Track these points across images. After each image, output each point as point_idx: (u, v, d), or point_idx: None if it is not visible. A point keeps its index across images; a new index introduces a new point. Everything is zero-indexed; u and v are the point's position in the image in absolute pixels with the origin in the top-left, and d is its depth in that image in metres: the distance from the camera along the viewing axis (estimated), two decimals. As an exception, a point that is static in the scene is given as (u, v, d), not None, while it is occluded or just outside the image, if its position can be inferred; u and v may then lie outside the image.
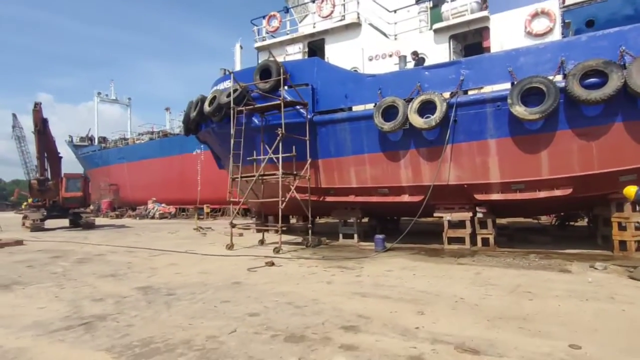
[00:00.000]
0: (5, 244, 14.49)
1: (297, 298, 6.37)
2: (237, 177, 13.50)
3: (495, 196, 10.88)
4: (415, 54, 12.40)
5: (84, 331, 5.01)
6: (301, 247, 12.82)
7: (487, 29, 11.99)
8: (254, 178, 12.97)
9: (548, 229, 16.55)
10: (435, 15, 13.29)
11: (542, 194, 10.28)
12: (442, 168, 11.23)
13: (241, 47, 47.66)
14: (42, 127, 22.76)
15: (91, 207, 32.12)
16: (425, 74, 11.57)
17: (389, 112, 11.66)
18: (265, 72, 14.02)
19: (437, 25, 12.64)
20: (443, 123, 10.84)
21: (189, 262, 10.29)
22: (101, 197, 45.72)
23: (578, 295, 6.23)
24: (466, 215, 11.61)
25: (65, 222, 24.58)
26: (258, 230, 18.24)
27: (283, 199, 13.48)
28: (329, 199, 13.76)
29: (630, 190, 7.91)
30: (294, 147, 12.81)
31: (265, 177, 13.10)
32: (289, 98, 13.39)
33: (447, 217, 11.85)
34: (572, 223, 16.83)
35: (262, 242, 13.98)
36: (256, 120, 14.37)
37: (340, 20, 14.55)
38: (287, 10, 16.58)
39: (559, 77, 9.85)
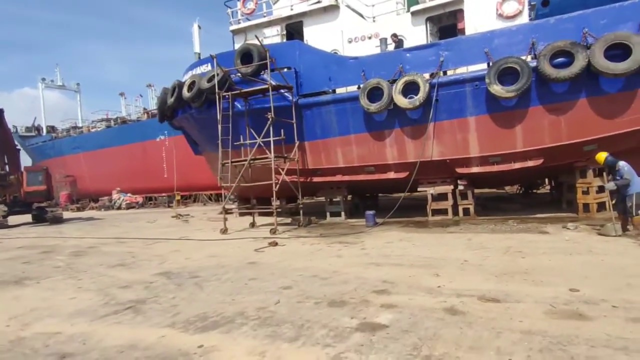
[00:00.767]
0: (-20, 243, 13.88)
1: (319, 271, 6.90)
2: (228, 162, 13.58)
3: (475, 169, 11.83)
4: (395, 36, 12.91)
5: (134, 314, 5.28)
6: (293, 227, 13.29)
7: (461, 11, 12.68)
8: (245, 162, 13.15)
9: (514, 197, 18.03)
10: (410, -3, 13.81)
11: (517, 165, 11.32)
12: (426, 145, 11.99)
13: (199, 27, 45.95)
14: (-3, 119, 21.42)
15: (54, 200, 30.70)
16: (406, 56, 12.15)
17: (374, 94, 12.19)
18: (246, 55, 14.05)
19: (414, 8, 13.19)
20: (426, 103, 11.54)
21: (190, 248, 10.50)
22: (58, 189, 43.51)
23: (562, 251, 7.20)
24: (448, 188, 12.54)
25: (28, 217, 23.43)
26: (241, 214, 18.53)
27: (275, 181, 13.85)
28: (316, 179, 14.25)
29: (601, 156, 9.01)
30: (282, 131, 13.07)
31: (256, 161, 13.30)
32: (272, 82, 13.56)
33: (431, 190, 12.72)
34: (534, 191, 18.40)
35: (252, 224, 14.30)
36: (239, 105, 14.42)
37: (318, 2, 14.72)
38: (263, -8, 16.45)
39: (529, 58, 10.75)
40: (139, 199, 37.42)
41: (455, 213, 12.57)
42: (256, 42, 14.70)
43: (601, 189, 10.84)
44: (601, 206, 10.98)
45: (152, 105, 49.43)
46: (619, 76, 9.63)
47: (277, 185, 12.58)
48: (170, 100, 16.00)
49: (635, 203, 8.51)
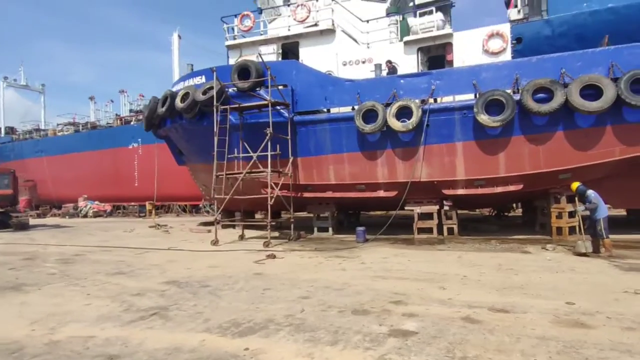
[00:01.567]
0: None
1: (329, 283, 7.22)
2: (222, 174, 13.69)
3: (460, 191, 12.60)
4: (390, 62, 13.68)
5: (162, 320, 5.39)
6: (284, 240, 13.50)
7: (450, 44, 13.66)
8: (240, 175, 13.33)
9: (488, 219, 19.07)
10: (402, 27, 14.71)
11: (499, 189, 12.19)
12: (415, 166, 12.67)
13: (179, 37, 45.79)
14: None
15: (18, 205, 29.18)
16: (400, 82, 12.91)
17: (369, 115, 12.82)
18: (243, 71, 14.39)
19: (407, 38, 14.06)
20: (418, 127, 12.27)
21: (186, 259, 10.51)
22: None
23: (548, 269, 7.90)
24: (434, 208, 13.23)
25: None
26: (224, 226, 18.50)
27: (267, 194, 14.08)
28: (306, 195, 14.58)
29: (574, 185, 10.07)
30: (277, 146, 13.39)
31: (252, 175, 13.49)
32: (269, 98, 13.93)
33: (417, 209, 13.36)
34: (506, 214, 19.55)
35: (242, 237, 14.38)
36: (232, 119, 14.63)
37: (315, 25, 15.36)
38: (260, 11, 16.94)
39: (512, 91, 11.74)
40: (107, 207, 36.20)
41: (440, 232, 13.24)
42: (252, 58, 15.16)
43: (572, 214, 11.84)
44: (572, 230, 11.96)
45: (125, 111, 48.36)
46: (592, 113, 10.73)
47: (272, 200, 12.80)
48: (162, 109, 15.99)
49: (603, 226, 9.50)
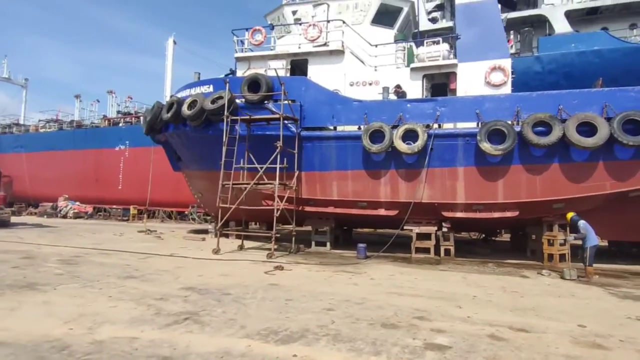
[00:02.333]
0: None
1: (348, 297, 7.44)
2: (228, 184, 13.78)
3: (459, 214, 13.08)
4: (399, 87, 14.24)
5: (198, 325, 5.49)
6: (284, 252, 13.61)
7: (454, 73, 14.36)
8: (245, 185, 13.47)
9: (476, 242, 19.68)
10: (409, 53, 15.38)
11: (496, 215, 12.74)
12: (418, 188, 13.12)
13: (175, 42, 45.98)
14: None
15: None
16: (407, 106, 13.46)
17: (375, 135, 13.25)
18: (253, 84, 14.69)
19: (413, 65, 14.70)
20: (422, 150, 12.76)
21: (194, 266, 10.51)
22: (-11, 190, 39.72)
23: (550, 294, 8.36)
24: (432, 229, 13.66)
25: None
26: (220, 235, 18.43)
27: (268, 206, 14.24)
28: (308, 209, 14.80)
29: (569, 215, 10.80)
30: (285, 159, 13.62)
31: (260, 186, 13.64)
32: (274, 112, 14.24)
33: (416, 230, 13.76)
34: (493, 238, 20.22)
35: (241, 247, 14.41)
36: (239, 129, 14.79)
37: (325, 45, 15.86)
38: (272, 27, 17.35)
39: (513, 122, 12.42)
40: (89, 209, 35.31)
41: (437, 253, 13.64)
42: (261, 71, 15.51)
43: (563, 243, 12.49)
44: (562, 257, 12.59)
45: (112, 112, 47.66)
46: (587, 149, 11.47)
47: (279, 212, 12.97)
48: (167, 115, 16.02)
49: (589, 255, 10.21)
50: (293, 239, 14.04)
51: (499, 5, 15.11)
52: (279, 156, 13.15)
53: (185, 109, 15.31)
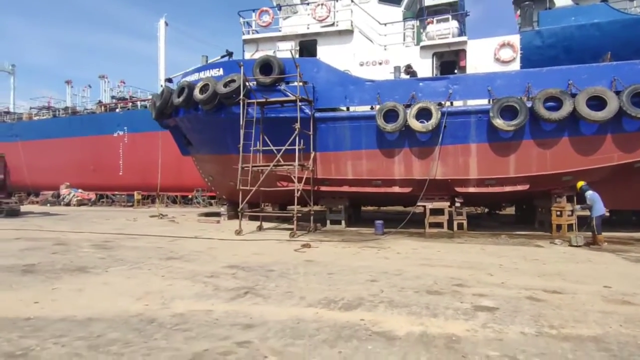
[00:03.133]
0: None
1: (384, 269, 7.91)
2: (248, 167, 14.07)
3: (472, 189, 13.58)
4: (409, 67, 14.45)
5: (259, 297, 5.92)
6: (304, 231, 14.03)
7: (463, 51, 14.59)
8: (269, 168, 13.78)
9: (481, 216, 20.33)
10: (418, 32, 15.53)
11: (508, 189, 13.25)
12: (431, 165, 13.54)
13: (166, 24, 45.19)
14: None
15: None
16: (419, 85, 13.73)
17: (389, 115, 13.55)
18: (265, 66, 14.80)
19: (423, 43, 14.89)
20: (436, 128, 13.11)
21: (224, 247, 10.91)
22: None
23: (568, 260, 8.93)
24: (445, 205, 14.17)
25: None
26: (229, 217, 18.86)
27: (283, 187, 14.60)
28: (323, 188, 15.18)
29: (579, 184, 11.38)
30: (301, 140, 13.85)
31: (279, 168, 13.95)
32: (289, 94, 14.43)
33: (429, 205, 14.26)
34: (497, 212, 20.88)
35: (260, 227, 14.82)
36: (252, 112, 14.96)
37: (333, 25, 15.92)
38: (279, 7, 17.29)
39: (525, 98, 12.76)
40: (92, 195, 35.41)
41: (450, 227, 14.17)
42: (270, 53, 15.60)
43: (571, 213, 13.10)
44: (570, 227, 13.21)
45: (105, 97, 47.09)
46: (596, 122, 11.92)
47: (299, 192, 13.33)
48: (178, 100, 16.10)
49: (596, 224, 10.81)
50: (312, 218, 14.45)
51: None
52: (297, 138, 13.41)
53: (197, 93, 15.40)
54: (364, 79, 14.53)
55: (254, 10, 16.82)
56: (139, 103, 40.25)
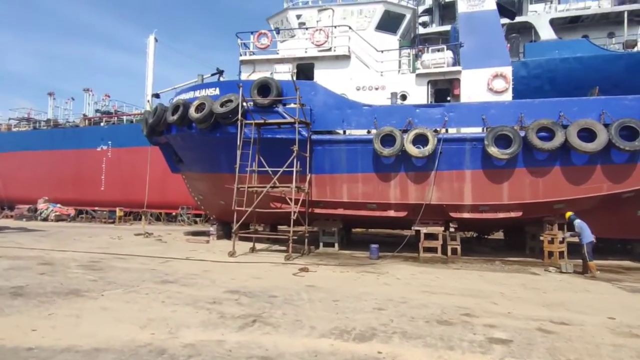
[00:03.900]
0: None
1: (388, 296, 7.83)
2: (244, 187, 13.91)
3: (466, 215, 13.73)
4: (403, 97, 14.80)
5: (269, 326, 5.74)
6: (298, 254, 13.84)
7: (457, 80, 14.99)
8: (265, 189, 13.65)
9: (471, 240, 20.51)
10: (413, 60, 15.93)
11: (501, 215, 13.46)
12: (426, 190, 13.68)
13: (156, 40, 45.46)
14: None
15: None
16: (416, 111, 14.00)
17: (385, 139, 13.71)
18: (263, 88, 14.87)
19: (419, 71, 15.26)
20: (432, 154, 13.31)
21: (220, 269, 10.64)
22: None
23: (567, 289, 9.03)
24: (439, 230, 14.25)
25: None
26: (219, 237, 18.54)
27: (277, 208, 14.47)
28: (317, 210, 15.11)
29: (567, 214, 11.77)
30: (298, 162, 13.83)
31: (276, 189, 13.83)
32: (286, 116, 14.49)
33: (424, 230, 14.32)
34: (486, 237, 21.11)
35: (252, 249, 14.56)
36: (248, 132, 14.91)
37: (331, 50, 16.19)
38: (277, 31, 17.53)
39: (517, 128, 13.13)
40: (71, 211, 34.32)
41: (444, 252, 14.23)
42: (266, 75, 15.72)
43: (562, 241, 13.35)
44: (561, 254, 13.44)
45: (89, 111, 46.33)
46: (587, 153, 12.32)
47: (295, 214, 13.21)
48: (172, 117, 15.93)
49: (587, 251, 11.05)
50: (306, 240, 14.30)
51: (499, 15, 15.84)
52: (295, 160, 13.39)
53: (192, 112, 15.31)
54: (361, 103, 14.73)
55: (252, 33, 16.98)
56: (124, 117, 39.69)
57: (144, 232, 20.33)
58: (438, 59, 15.12)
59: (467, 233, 22.01)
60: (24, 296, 7.12)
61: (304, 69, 16.73)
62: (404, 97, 15.18)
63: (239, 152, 14.03)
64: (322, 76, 16.12)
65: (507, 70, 14.62)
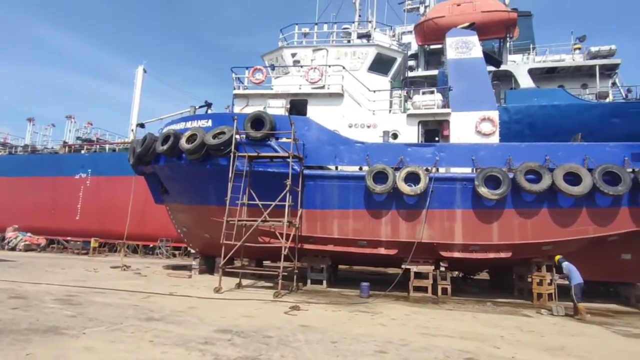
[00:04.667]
0: None
1: (387, 338, 7.55)
2: (234, 220, 13.57)
3: (456, 254, 13.69)
4: (395, 136, 15.10)
5: (270, 370, 5.39)
6: (286, 291, 13.38)
7: (447, 121, 15.42)
8: (256, 223, 13.36)
9: (455, 280, 20.38)
10: (404, 101, 16.39)
11: (491, 255, 13.48)
12: (417, 228, 13.66)
13: (145, 71, 45.65)
14: None
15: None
16: (407, 150, 14.21)
17: (378, 177, 13.78)
18: (256, 121, 14.92)
19: (410, 111, 15.67)
20: (424, 192, 13.41)
21: (207, 306, 10.15)
22: None
23: (563, 332, 8.94)
24: (430, 268, 14.14)
25: None
26: (201, 272, 17.90)
27: (265, 243, 14.15)
28: (307, 246, 14.81)
29: (556, 257, 12.00)
30: (290, 196, 13.68)
31: (267, 223, 13.54)
32: (279, 150, 14.49)
33: (414, 268, 14.17)
34: (472, 277, 21.06)
35: (239, 285, 14.03)
36: (240, 165, 14.76)
37: (324, 88, 16.52)
38: (272, 67, 17.85)
39: (503, 169, 13.44)
40: (42, 240, 32.73)
41: (434, 292, 14.03)
42: (260, 109, 15.84)
43: (551, 283, 13.43)
44: (550, 296, 13.45)
45: (70, 138, 45.46)
46: (572, 196, 12.64)
47: (286, 250, 12.90)
48: (162, 147, 15.70)
49: (574, 293, 11.13)
50: (295, 277, 13.91)
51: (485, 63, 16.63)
52: (288, 194, 13.25)
53: (183, 142, 15.14)
54: (354, 140, 14.89)
55: (247, 68, 17.26)
56: (107, 146, 39.01)
57: (122, 265, 19.40)
58: (429, 101, 15.60)
59: (452, 273, 21.98)
60: (-4, 333, 6.54)
61: (297, 105, 16.94)
62: (395, 136, 15.49)
63: (230, 185, 13.81)
64: (315, 112, 16.33)
65: (494, 114, 15.17)
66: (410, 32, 29.30)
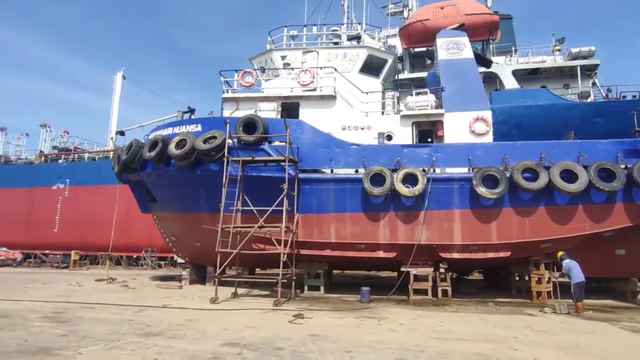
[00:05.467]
0: None
1: (402, 344, 7.26)
2: (229, 227, 13.09)
3: (455, 255, 13.56)
4: (389, 137, 14.94)
5: (291, 386, 5.02)
6: (284, 299, 12.96)
7: (441, 122, 15.37)
8: (252, 229, 12.91)
9: (451, 280, 20.30)
10: (396, 102, 16.29)
11: (490, 255, 13.40)
12: (416, 230, 13.48)
13: (124, 78, 44.70)
14: None
15: None
16: (404, 151, 14.05)
17: (375, 179, 13.55)
18: (248, 125, 14.52)
19: (403, 112, 15.55)
20: (422, 193, 13.25)
21: (206, 318, 9.66)
22: None
23: (573, 331, 8.84)
24: (429, 271, 13.95)
25: None
26: (191, 282, 17.32)
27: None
28: (304, 251, 14.44)
29: (559, 254, 11.93)
30: (286, 200, 13.30)
31: (264, 229, 13.11)
32: (272, 153, 14.12)
33: (414, 271, 13.96)
34: (465, 277, 21.04)
35: (235, 294, 13.53)
36: (232, 170, 14.30)
37: (316, 90, 16.27)
38: (262, 70, 17.49)
39: (500, 168, 13.42)
40: (17, 255, 31.30)
41: (434, 294, 13.84)
42: (250, 112, 15.44)
43: (548, 281, 13.43)
44: (549, 294, 13.45)
45: (46, 147, 43.82)
46: (569, 194, 12.69)
47: (285, 256, 12.50)
48: (150, 154, 15.10)
49: (574, 291, 11.14)
50: (293, 284, 13.50)
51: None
52: (285, 199, 12.87)
53: (172, 148, 14.58)
54: (349, 142, 14.64)
55: (236, 71, 16.86)
56: (85, 155, 37.70)
57: (108, 278, 18.56)
58: (422, 102, 15.52)
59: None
60: (-18, 358, 5.95)
61: (289, 108, 16.62)
62: (389, 138, 15.33)
63: (224, 191, 13.34)
64: (307, 115, 16.04)
65: (487, 114, 15.19)
66: (395, 35, 29.43)
